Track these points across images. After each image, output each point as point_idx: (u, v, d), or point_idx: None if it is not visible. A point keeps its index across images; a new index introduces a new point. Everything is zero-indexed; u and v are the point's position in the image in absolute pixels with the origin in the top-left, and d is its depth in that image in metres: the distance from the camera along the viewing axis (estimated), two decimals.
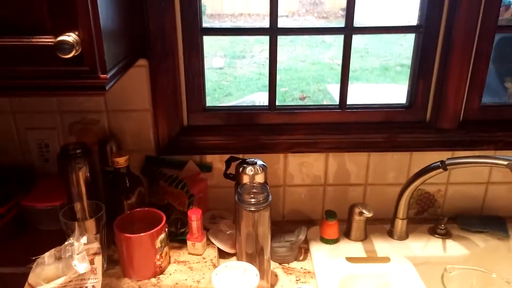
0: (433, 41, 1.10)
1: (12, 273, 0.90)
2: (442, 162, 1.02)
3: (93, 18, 0.69)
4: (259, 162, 1.03)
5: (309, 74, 6.04)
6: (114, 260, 1.00)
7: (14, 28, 0.69)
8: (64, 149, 0.98)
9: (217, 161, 1.17)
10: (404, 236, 1.15)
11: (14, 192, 1.04)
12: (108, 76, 0.74)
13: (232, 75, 6.34)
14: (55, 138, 1.12)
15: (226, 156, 1.10)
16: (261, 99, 3.69)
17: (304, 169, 1.19)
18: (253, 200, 0.91)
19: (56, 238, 0.85)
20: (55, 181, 1.06)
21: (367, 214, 1.06)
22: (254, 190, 0.93)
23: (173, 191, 1.09)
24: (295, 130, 1.16)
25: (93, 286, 0.85)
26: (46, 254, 0.80)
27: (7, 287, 0.85)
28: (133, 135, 1.14)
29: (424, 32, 1.09)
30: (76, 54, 0.69)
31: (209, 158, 1.17)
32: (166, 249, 0.99)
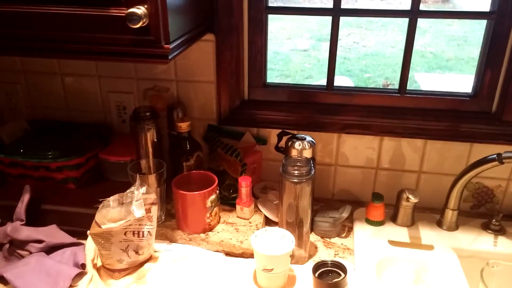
0: (505, 29, 1.05)
1: (86, 213, 1.05)
2: (498, 154, 0.98)
3: None
4: (308, 138, 1.07)
5: (397, 61, 5.80)
6: (172, 214, 1.12)
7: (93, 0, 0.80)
8: (135, 112, 1.11)
9: (273, 135, 1.23)
10: (453, 227, 1.13)
11: (94, 146, 1.20)
12: (171, 47, 0.83)
13: (316, 58, 6.29)
14: (131, 102, 1.26)
15: None
16: (341, 83, 3.66)
17: (357, 150, 1.21)
18: (296, 172, 0.96)
19: (126, 188, 0.97)
20: (129, 140, 1.20)
21: (413, 199, 1.06)
22: (298, 164, 0.97)
23: (229, 159, 1.18)
24: (351, 111, 1.18)
25: (148, 231, 0.97)
26: (111, 198, 0.94)
27: (81, 224, 1.00)
28: (198, 104, 1.24)
29: (496, 18, 1.04)
30: (143, 25, 0.78)
31: (266, 132, 1.24)
32: (216, 209, 1.08)
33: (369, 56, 6.10)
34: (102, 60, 1.12)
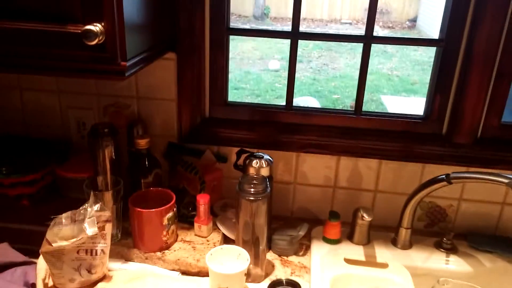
0: (453, 56, 1.11)
1: (40, 231, 1.02)
2: (447, 175, 1.02)
3: (117, 12, 0.79)
4: (266, 156, 1.09)
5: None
6: (129, 232, 1.10)
7: (51, 15, 0.80)
8: (93, 128, 1.10)
9: (234, 153, 1.23)
10: (407, 246, 1.16)
11: (51, 161, 1.18)
12: (127, 64, 0.84)
13: (286, 78, 6.40)
14: (91, 118, 1.25)
15: None
16: (307, 103, 3.73)
17: (316, 169, 1.23)
18: (252, 190, 0.97)
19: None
20: (87, 156, 1.18)
21: (367, 218, 1.09)
22: (254, 182, 0.99)
23: (188, 176, 1.18)
24: (309, 131, 1.21)
25: (101, 249, 0.95)
26: (64, 215, 0.92)
27: (34, 242, 0.97)
28: (159, 122, 1.24)
29: (445, 46, 1.10)
30: (99, 42, 0.79)
31: (226, 149, 1.25)
32: (173, 227, 1.07)
33: (338, 78, 6.25)
34: (59, 76, 1.13)
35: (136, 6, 0.88)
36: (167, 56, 1.15)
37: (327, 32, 7.95)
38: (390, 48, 7.19)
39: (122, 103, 1.22)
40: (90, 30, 0.78)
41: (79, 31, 0.78)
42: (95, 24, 0.79)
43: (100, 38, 0.79)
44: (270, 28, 8.43)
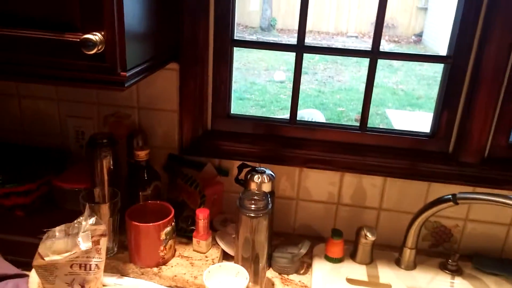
0: (461, 74, 1.08)
1: (33, 243, 1.00)
2: (453, 195, 0.99)
3: (118, 21, 0.77)
4: (268, 171, 1.06)
5: None
6: (125, 246, 1.08)
7: (50, 23, 0.78)
8: (92, 138, 1.07)
9: (235, 167, 1.21)
10: (411, 266, 1.12)
11: (48, 171, 1.16)
12: (127, 75, 0.82)
13: (291, 90, 6.40)
14: (91, 127, 1.23)
15: None
16: (311, 115, 3.70)
17: (319, 185, 1.20)
18: (253, 206, 0.94)
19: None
20: (85, 167, 1.16)
21: (371, 237, 1.06)
22: (256, 197, 0.96)
23: (188, 190, 1.15)
24: (313, 146, 1.18)
25: (96, 264, 0.92)
26: (57, 228, 0.89)
27: (27, 254, 0.94)
28: (160, 133, 1.22)
29: (452, 63, 1.08)
30: (98, 51, 0.77)
31: (228, 163, 1.22)
32: (171, 242, 1.04)
33: (343, 90, 6.24)
34: (57, 85, 1.11)
35: (138, 15, 0.86)
36: (169, 66, 1.13)
37: (333, 45, 7.98)
38: (395, 62, 7.19)
39: (122, 113, 1.20)
40: (89, 39, 0.76)
41: (78, 40, 0.76)
42: (94, 33, 0.77)
43: (100, 47, 0.77)
44: (276, 39, 8.47)
